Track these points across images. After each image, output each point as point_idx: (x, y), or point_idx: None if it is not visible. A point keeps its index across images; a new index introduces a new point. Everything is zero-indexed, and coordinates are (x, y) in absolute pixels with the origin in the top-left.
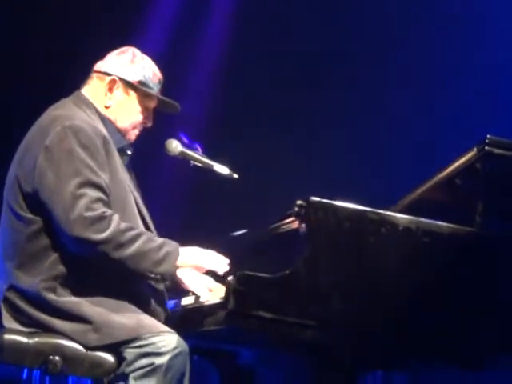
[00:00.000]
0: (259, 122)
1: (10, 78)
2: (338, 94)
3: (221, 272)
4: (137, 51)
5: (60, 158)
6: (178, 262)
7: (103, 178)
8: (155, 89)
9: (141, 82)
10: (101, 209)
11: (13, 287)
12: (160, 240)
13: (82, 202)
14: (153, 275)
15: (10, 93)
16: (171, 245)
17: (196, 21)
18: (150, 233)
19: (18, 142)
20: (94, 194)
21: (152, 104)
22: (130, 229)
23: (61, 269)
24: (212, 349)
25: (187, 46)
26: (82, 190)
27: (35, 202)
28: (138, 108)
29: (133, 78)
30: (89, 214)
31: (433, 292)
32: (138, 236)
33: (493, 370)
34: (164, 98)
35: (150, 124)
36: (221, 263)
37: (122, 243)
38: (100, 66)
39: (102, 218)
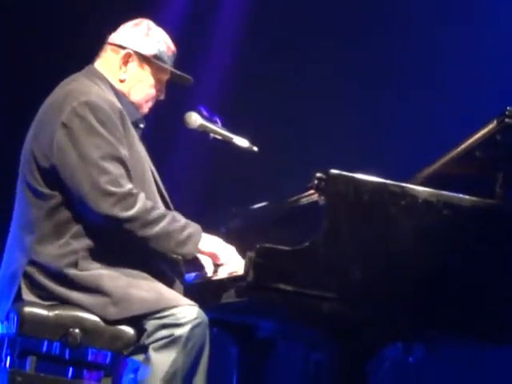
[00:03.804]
0: (278, 94)
1: (22, 52)
2: (356, 68)
3: (233, 270)
4: (151, 23)
5: (79, 135)
6: (199, 246)
7: (123, 153)
8: (169, 62)
9: (155, 56)
10: (127, 185)
11: (33, 262)
12: (183, 221)
13: (108, 178)
14: (174, 255)
15: (21, 68)
16: (194, 227)
17: None
18: (173, 213)
19: (30, 117)
20: (117, 169)
21: (165, 77)
22: (155, 208)
23: (81, 242)
24: (231, 321)
25: (205, 20)
26: (106, 165)
27: (53, 177)
28: (152, 81)
29: (148, 52)
30: (116, 189)
31: (453, 265)
32: (163, 216)
33: None
34: (177, 71)
35: (162, 97)
36: (237, 262)
37: (147, 222)
38: (114, 38)
39: (129, 194)
